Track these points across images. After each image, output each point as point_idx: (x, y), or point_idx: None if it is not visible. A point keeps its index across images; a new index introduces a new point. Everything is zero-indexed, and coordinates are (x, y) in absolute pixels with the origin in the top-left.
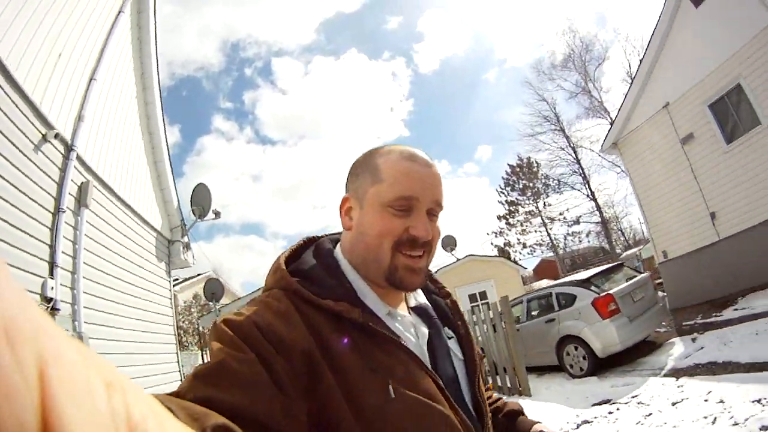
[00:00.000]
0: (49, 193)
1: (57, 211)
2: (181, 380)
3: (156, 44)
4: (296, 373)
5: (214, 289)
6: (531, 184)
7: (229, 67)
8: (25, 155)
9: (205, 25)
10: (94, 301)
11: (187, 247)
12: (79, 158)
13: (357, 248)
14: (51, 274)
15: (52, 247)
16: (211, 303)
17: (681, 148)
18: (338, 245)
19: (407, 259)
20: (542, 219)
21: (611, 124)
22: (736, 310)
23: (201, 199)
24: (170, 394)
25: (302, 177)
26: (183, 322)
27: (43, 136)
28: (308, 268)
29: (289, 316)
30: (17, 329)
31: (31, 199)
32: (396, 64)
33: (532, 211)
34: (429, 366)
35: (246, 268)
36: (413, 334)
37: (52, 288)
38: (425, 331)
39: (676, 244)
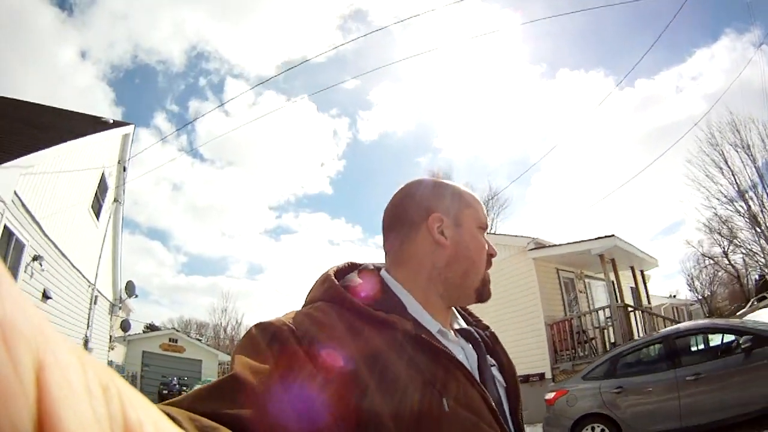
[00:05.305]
0: (84, 302)
1: (90, 308)
2: None
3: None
4: (330, 382)
5: (125, 326)
6: None
7: (187, 72)
8: (82, 298)
9: (181, 23)
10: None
11: (120, 308)
12: (97, 290)
13: (458, 264)
14: (85, 344)
15: (89, 317)
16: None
17: None
18: (382, 270)
19: (486, 274)
20: None
21: None
22: None
23: (129, 287)
24: (172, 404)
25: (219, 201)
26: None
27: (92, 292)
28: (356, 284)
29: (333, 328)
30: (15, 332)
31: (76, 308)
32: (340, 123)
33: None
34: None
35: (142, 272)
36: (463, 354)
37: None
38: (473, 352)
39: None
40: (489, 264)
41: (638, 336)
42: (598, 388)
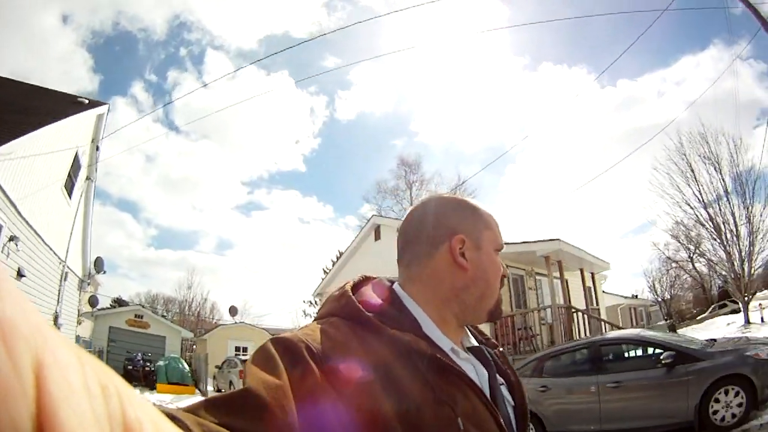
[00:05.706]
0: (55, 278)
1: (60, 284)
2: None
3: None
4: (343, 401)
5: (93, 301)
6: None
7: (168, 42)
8: (53, 275)
9: None
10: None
11: (89, 284)
12: (68, 266)
13: (476, 288)
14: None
15: (59, 293)
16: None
17: None
18: (395, 284)
19: (500, 294)
20: None
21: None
22: None
23: (98, 264)
24: (182, 409)
25: (192, 174)
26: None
27: (62, 269)
28: (372, 299)
29: (349, 347)
30: (14, 331)
31: (47, 284)
32: (317, 101)
33: None
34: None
35: (111, 243)
36: (474, 372)
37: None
38: (484, 371)
39: None
40: (502, 284)
41: (578, 337)
42: (524, 385)
